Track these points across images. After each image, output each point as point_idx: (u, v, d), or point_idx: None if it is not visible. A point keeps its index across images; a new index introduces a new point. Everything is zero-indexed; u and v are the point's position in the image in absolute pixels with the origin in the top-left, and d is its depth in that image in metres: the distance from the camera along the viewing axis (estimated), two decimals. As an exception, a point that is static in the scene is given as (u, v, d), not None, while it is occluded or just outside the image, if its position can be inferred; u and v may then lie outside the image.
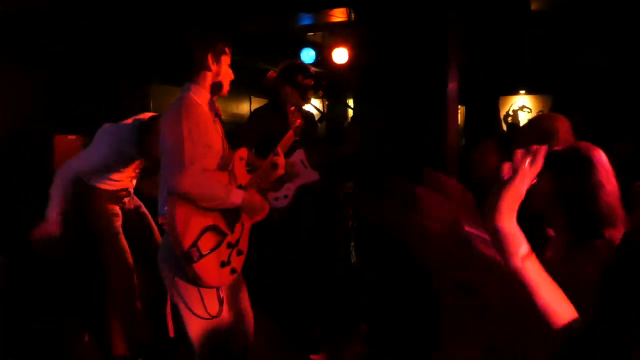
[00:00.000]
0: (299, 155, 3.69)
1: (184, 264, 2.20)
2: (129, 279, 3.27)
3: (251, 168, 2.58)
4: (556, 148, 1.95)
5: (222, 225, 2.31)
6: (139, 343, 3.30)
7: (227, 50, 2.40)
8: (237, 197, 2.30)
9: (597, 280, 1.74)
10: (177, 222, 2.18)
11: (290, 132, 2.82)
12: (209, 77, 2.37)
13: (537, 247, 2.08)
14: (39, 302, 3.74)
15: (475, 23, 4.75)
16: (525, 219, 2.08)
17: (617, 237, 1.83)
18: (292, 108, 3.52)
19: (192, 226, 2.22)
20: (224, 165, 2.38)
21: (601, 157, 1.87)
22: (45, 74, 4.51)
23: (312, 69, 3.87)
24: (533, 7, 4.89)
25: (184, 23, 4.92)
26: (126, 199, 3.41)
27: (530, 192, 1.97)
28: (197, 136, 2.18)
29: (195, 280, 2.24)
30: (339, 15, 5.19)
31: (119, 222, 3.31)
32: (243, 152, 2.46)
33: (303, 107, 4.13)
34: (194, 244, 2.20)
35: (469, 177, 3.09)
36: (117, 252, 3.26)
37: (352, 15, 4.70)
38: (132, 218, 3.42)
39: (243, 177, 2.45)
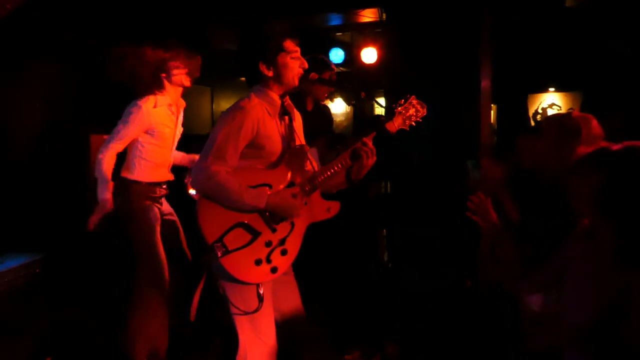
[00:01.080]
0: (313, 153, 3.68)
1: (212, 258, 2.25)
2: (160, 278, 3.18)
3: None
4: (609, 146, 1.85)
5: (256, 224, 2.30)
6: (157, 346, 3.22)
7: (285, 46, 2.33)
8: (257, 200, 2.24)
9: None
10: (199, 217, 2.25)
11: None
12: (270, 81, 2.37)
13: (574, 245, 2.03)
14: (76, 299, 3.81)
15: (508, 20, 4.70)
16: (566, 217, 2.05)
17: None
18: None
19: (217, 222, 2.25)
20: (272, 164, 2.37)
21: None
22: (81, 73, 4.54)
23: (333, 65, 3.84)
24: (568, 3, 4.82)
25: (212, 20, 4.96)
26: (163, 199, 3.35)
27: (575, 193, 1.92)
28: (233, 140, 2.24)
29: (229, 275, 2.28)
30: (369, 15, 5.19)
31: (156, 223, 3.22)
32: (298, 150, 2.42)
33: (328, 108, 4.15)
34: (219, 239, 2.23)
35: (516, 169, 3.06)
36: (150, 250, 3.17)
37: (384, 15, 4.69)
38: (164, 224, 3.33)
39: (296, 175, 2.40)
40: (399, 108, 2.54)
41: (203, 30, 5.25)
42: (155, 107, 3.18)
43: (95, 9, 4.33)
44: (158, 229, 3.22)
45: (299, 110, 3.63)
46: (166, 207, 3.39)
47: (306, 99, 3.74)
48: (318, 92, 3.73)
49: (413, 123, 2.56)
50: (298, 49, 2.37)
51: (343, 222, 3.81)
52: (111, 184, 3.11)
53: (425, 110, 2.58)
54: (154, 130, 3.19)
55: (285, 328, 2.45)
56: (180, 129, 3.41)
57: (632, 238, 1.74)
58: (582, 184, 1.85)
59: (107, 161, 3.12)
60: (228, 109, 2.36)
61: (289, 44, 2.34)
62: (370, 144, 2.41)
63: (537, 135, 2.89)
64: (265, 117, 2.34)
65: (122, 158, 3.24)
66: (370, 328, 3.66)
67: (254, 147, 2.31)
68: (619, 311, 1.73)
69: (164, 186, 3.33)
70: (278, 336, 2.40)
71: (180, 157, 3.48)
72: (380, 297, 4.00)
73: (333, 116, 4.52)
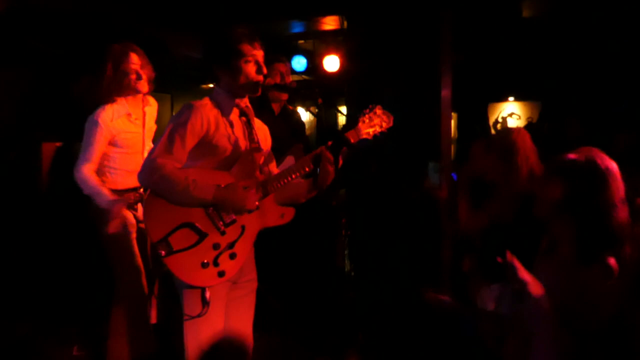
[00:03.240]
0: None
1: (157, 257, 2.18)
2: (138, 284, 3.13)
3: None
4: (571, 155, 1.90)
5: (204, 225, 2.22)
6: (143, 352, 3.17)
7: (240, 49, 2.29)
8: (204, 192, 2.18)
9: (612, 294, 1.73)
10: (146, 214, 2.21)
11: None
12: (226, 84, 2.35)
13: (541, 254, 2.06)
14: (25, 311, 3.68)
15: (467, 29, 4.77)
16: (532, 225, 2.07)
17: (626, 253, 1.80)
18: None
19: (163, 220, 2.19)
20: (226, 166, 2.31)
21: (615, 169, 1.83)
22: (33, 79, 4.42)
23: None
24: (525, 14, 4.92)
25: (175, 26, 4.89)
26: (138, 205, 3.22)
27: (538, 199, 1.97)
28: (179, 136, 2.22)
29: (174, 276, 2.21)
30: (331, 23, 5.19)
31: (132, 229, 3.16)
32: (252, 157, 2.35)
33: (297, 113, 4.12)
34: (164, 239, 2.16)
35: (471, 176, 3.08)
36: (126, 257, 3.11)
37: (345, 23, 4.69)
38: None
39: (249, 178, 2.32)
40: (363, 117, 2.48)
41: (163, 37, 5.17)
42: (112, 120, 3.10)
43: (48, 14, 4.21)
44: (134, 235, 3.16)
45: (266, 115, 3.61)
46: (142, 212, 3.30)
47: (270, 104, 3.73)
48: (276, 97, 3.74)
49: (378, 133, 2.48)
50: (256, 53, 2.32)
51: (306, 231, 3.78)
52: (105, 189, 3.03)
53: (391, 121, 2.52)
54: (117, 140, 3.13)
55: (228, 347, 2.35)
56: (152, 128, 3.32)
57: (588, 236, 1.83)
58: (547, 189, 1.93)
59: (87, 175, 3.05)
60: (177, 112, 2.35)
61: (246, 48, 2.30)
62: (328, 153, 2.34)
63: (486, 148, 2.94)
64: (219, 117, 2.31)
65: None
66: (333, 339, 3.63)
67: (206, 146, 2.27)
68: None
69: (140, 191, 3.20)
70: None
71: None
72: (343, 308, 3.97)
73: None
